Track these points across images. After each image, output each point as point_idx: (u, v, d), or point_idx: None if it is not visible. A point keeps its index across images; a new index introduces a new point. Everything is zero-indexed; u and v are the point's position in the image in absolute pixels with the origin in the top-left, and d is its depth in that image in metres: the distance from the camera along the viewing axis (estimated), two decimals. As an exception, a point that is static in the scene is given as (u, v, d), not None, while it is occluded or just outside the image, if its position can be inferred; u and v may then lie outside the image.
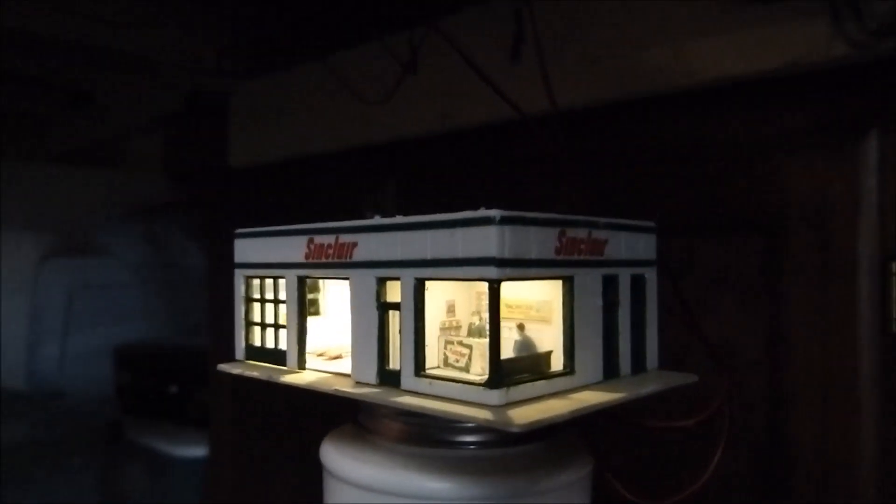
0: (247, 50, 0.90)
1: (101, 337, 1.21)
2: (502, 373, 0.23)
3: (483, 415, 0.22)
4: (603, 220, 0.27)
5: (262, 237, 0.31)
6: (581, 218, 0.26)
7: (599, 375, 0.27)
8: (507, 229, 0.23)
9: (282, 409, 0.93)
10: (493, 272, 0.23)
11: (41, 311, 1.21)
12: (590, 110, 0.64)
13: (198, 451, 1.07)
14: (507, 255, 0.23)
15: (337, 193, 0.95)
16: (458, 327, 0.29)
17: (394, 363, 0.26)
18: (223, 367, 0.32)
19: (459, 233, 0.24)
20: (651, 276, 0.30)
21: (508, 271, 0.23)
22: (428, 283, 0.26)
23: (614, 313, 0.28)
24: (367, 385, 0.27)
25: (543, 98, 0.65)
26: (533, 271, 0.24)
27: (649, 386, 0.26)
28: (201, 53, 0.89)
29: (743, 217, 0.59)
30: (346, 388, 0.27)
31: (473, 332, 0.29)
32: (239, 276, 0.32)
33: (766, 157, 0.57)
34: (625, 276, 0.28)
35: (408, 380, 0.25)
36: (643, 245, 0.29)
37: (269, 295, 0.31)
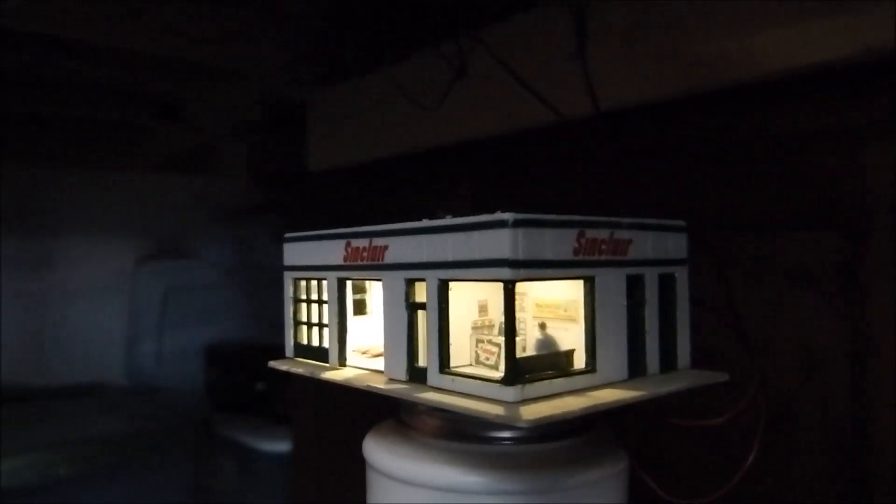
0: (322, 58, 0.93)
1: (192, 336, 1.27)
2: (517, 370, 0.24)
3: (495, 410, 0.23)
4: (626, 220, 0.27)
5: (307, 241, 0.33)
6: (602, 219, 0.26)
7: (624, 374, 0.27)
8: (521, 232, 0.24)
9: (362, 405, 0.95)
10: (507, 273, 0.24)
11: (138, 311, 1.28)
12: (655, 106, 0.64)
13: (283, 445, 1.11)
14: (521, 256, 0.24)
15: (412, 195, 0.97)
16: (490, 326, 0.30)
17: (422, 360, 0.27)
18: (273, 363, 0.34)
19: (476, 236, 0.25)
20: (682, 274, 0.30)
21: (523, 272, 0.24)
22: (458, 284, 0.27)
23: (640, 312, 0.28)
24: (398, 381, 0.28)
25: (609, 95, 0.65)
26: (550, 272, 0.25)
27: (672, 385, 0.27)
28: (280, 64, 0.92)
29: (820, 212, 0.57)
30: (378, 384, 0.28)
31: (503, 331, 0.30)
32: (287, 278, 0.34)
33: (842, 149, 0.55)
34: (652, 276, 0.28)
35: (433, 376, 0.27)
36: (672, 244, 0.29)
37: (315, 296, 0.33)
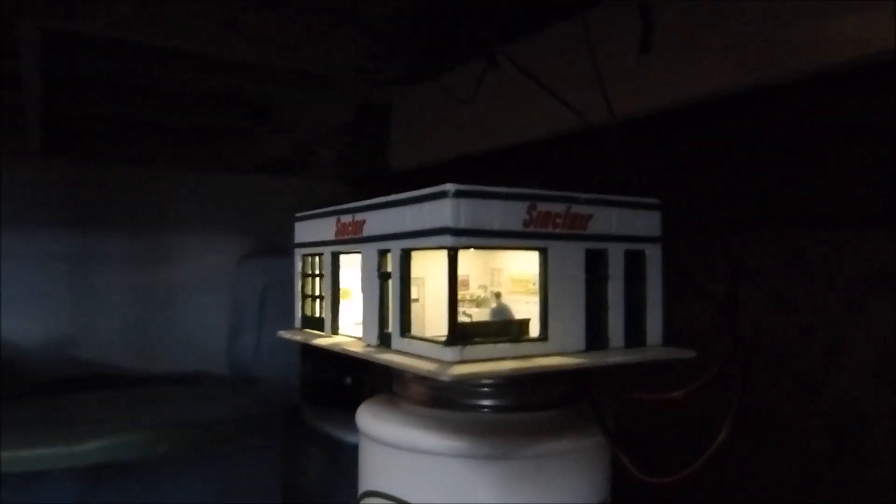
0: (401, 60, 0.96)
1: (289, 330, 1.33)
2: (457, 332, 0.25)
3: (427, 367, 0.24)
4: (584, 195, 0.28)
5: (310, 219, 0.36)
6: (556, 193, 0.27)
7: (581, 345, 0.28)
8: (463, 201, 0.25)
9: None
10: (448, 241, 0.25)
11: (240, 305, 1.35)
12: (722, 100, 0.63)
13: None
14: (462, 224, 0.25)
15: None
16: (469, 300, 0.32)
17: (390, 326, 0.29)
18: (282, 333, 0.37)
19: (426, 206, 0.26)
20: (653, 252, 0.30)
21: (464, 240, 0.25)
22: (438, 258, 0.28)
23: (602, 287, 0.29)
24: (372, 347, 0.30)
25: (678, 89, 0.65)
26: (495, 241, 0.26)
27: (628, 356, 0.27)
28: (362, 66, 0.96)
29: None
30: (353, 348, 0.30)
31: (480, 303, 0.31)
32: (297, 254, 0.37)
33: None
34: (616, 251, 0.29)
35: (396, 340, 0.28)
36: (642, 221, 0.30)
37: (317, 270, 0.36)
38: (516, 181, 0.83)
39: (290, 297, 0.36)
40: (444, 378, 0.23)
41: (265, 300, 1.35)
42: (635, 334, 0.29)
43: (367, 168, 1.12)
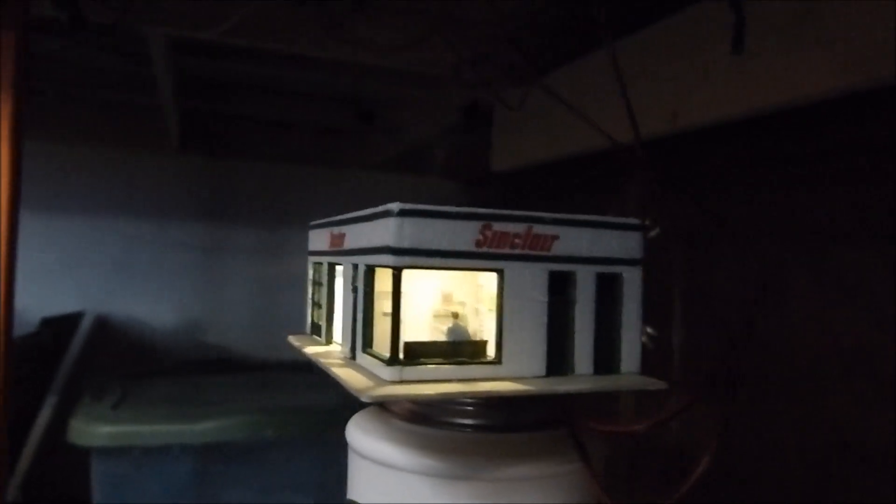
0: (503, 62, 0.96)
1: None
2: (398, 352, 0.25)
3: (356, 384, 0.25)
4: (549, 215, 0.27)
5: (317, 229, 0.37)
6: (516, 213, 0.27)
7: (541, 370, 0.27)
8: (406, 221, 0.25)
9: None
10: (390, 260, 0.25)
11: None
12: (823, 103, 0.59)
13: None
14: (405, 244, 0.25)
15: (584, 196, 0.97)
16: (445, 316, 0.31)
17: (357, 340, 0.29)
18: (291, 338, 0.38)
19: (378, 224, 0.26)
20: (631, 275, 0.29)
21: (407, 260, 0.25)
22: (423, 273, 0.29)
23: (567, 310, 0.27)
24: (345, 358, 0.31)
25: (773, 91, 0.61)
26: (442, 261, 0.26)
27: (587, 384, 0.26)
28: (470, 69, 0.96)
29: None
30: (325, 360, 0.31)
31: (458, 318, 0.31)
32: (309, 262, 0.38)
33: None
34: (586, 274, 0.28)
35: (359, 354, 0.29)
36: (619, 243, 0.28)
37: (319, 279, 0.36)
38: (612, 183, 0.81)
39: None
40: (363, 398, 0.23)
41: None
42: (606, 361, 0.28)
43: (473, 169, 1.12)
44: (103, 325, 1.24)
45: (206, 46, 0.89)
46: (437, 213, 0.25)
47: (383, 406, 0.34)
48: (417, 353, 0.26)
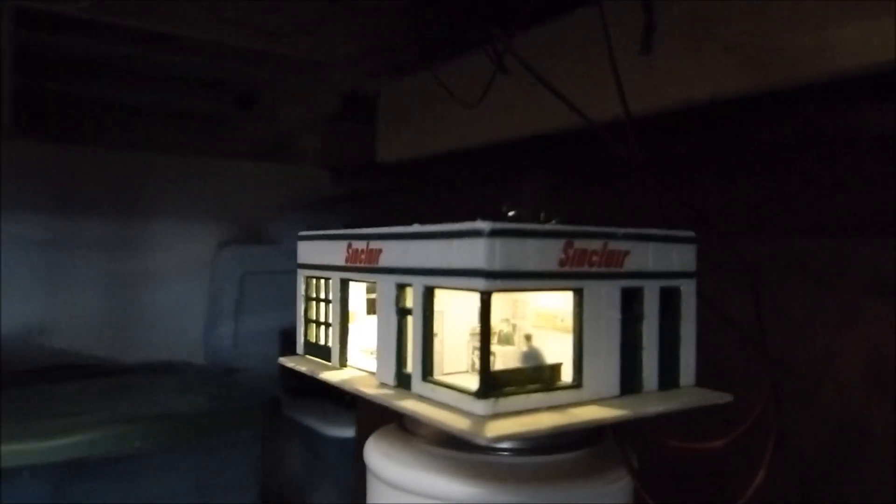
0: (390, 51, 0.93)
1: (268, 320, 1.30)
2: (490, 384, 0.23)
3: (461, 424, 0.23)
4: (622, 230, 0.26)
5: (316, 240, 0.33)
6: (594, 229, 0.25)
7: (615, 390, 0.26)
8: (498, 241, 0.23)
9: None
10: (481, 284, 0.23)
11: (218, 293, 1.32)
12: (722, 103, 0.61)
13: (348, 431, 1.13)
14: (497, 267, 0.23)
15: (477, 190, 0.97)
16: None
17: (409, 367, 0.27)
18: (283, 360, 0.34)
19: (456, 244, 0.24)
20: (688, 288, 0.28)
21: (499, 283, 0.23)
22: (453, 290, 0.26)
23: (637, 327, 0.27)
24: (387, 386, 0.28)
25: (680, 90, 0.63)
26: (531, 283, 0.24)
27: (664, 404, 0.26)
28: (352, 55, 0.93)
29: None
30: (367, 388, 0.28)
31: (502, 339, 0.29)
32: (300, 275, 0.35)
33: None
34: (652, 289, 0.27)
35: (417, 384, 0.26)
36: (677, 256, 0.28)
37: (323, 295, 0.33)
38: (507, 178, 0.81)
39: (268, 285, 0.33)
40: (481, 441, 0.21)
41: (244, 289, 1.32)
42: (669, 376, 0.28)
43: (351, 159, 1.09)
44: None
45: (58, 21, 0.80)
46: (527, 231, 0.24)
47: (403, 426, 0.32)
48: (502, 382, 0.24)
